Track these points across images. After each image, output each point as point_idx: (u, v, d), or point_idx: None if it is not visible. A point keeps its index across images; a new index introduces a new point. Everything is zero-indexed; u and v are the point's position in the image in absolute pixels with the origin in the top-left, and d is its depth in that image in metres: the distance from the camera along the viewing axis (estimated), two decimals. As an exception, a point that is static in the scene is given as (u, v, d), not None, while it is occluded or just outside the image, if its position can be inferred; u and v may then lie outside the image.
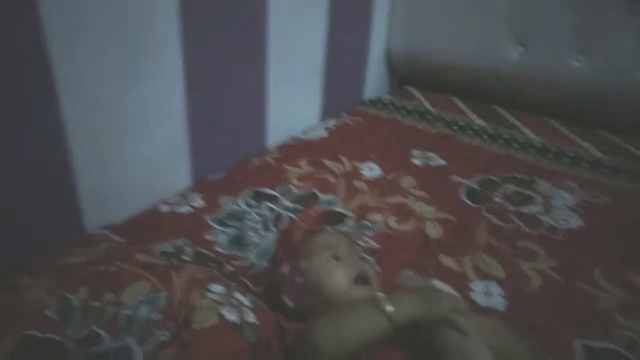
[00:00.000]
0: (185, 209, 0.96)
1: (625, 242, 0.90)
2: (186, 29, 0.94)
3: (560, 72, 1.33)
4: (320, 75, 1.37)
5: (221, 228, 0.91)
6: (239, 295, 0.59)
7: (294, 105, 1.32)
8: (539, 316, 0.72)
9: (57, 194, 0.83)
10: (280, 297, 0.66)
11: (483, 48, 1.43)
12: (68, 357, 0.48)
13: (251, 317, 0.58)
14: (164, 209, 0.96)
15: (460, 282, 0.79)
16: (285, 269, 0.67)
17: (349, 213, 0.96)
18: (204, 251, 0.77)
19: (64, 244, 0.66)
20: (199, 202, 0.98)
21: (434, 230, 0.92)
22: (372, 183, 1.08)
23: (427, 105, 1.48)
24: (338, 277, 0.63)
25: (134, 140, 0.93)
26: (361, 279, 0.64)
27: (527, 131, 1.33)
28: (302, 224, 0.71)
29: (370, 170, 1.13)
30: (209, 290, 0.56)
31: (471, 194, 1.04)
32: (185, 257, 0.67)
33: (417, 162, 1.18)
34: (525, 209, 0.99)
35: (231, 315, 0.55)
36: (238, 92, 1.12)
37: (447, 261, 0.84)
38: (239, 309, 0.57)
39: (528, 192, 1.05)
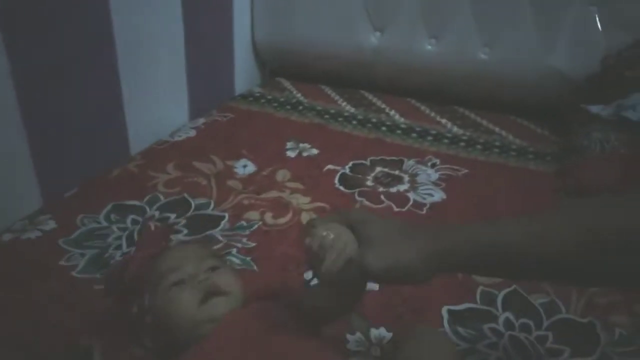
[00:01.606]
0: (33, 235, 0.85)
1: (480, 209, 0.97)
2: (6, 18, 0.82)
3: (415, 55, 1.40)
4: (183, 71, 1.29)
5: (78, 250, 0.82)
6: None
7: (157, 106, 1.22)
8: (409, 289, 0.75)
9: None
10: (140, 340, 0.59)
11: (343, 35, 1.46)
12: None
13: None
14: (6, 237, 0.84)
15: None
16: (134, 308, 0.59)
17: (223, 214, 0.93)
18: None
19: None
20: (50, 224, 0.87)
21: (309, 221, 0.92)
22: (247, 180, 1.05)
23: (299, 95, 1.48)
24: (182, 304, 0.55)
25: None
26: (212, 294, 0.56)
27: (393, 113, 1.38)
28: (140, 251, 0.64)
29: (244, 167, 1.10)
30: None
31: (344, 180, 1.06)
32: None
33: (291, 154, 1.17)
34: (394, 189, 1.03)
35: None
36: (84, 93, 1.01)
37: (323, 250, 0.85)
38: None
39: (396, 172, 1.10)
